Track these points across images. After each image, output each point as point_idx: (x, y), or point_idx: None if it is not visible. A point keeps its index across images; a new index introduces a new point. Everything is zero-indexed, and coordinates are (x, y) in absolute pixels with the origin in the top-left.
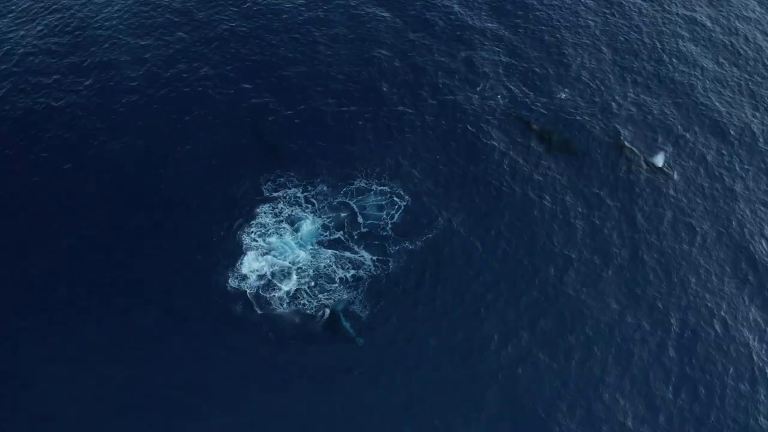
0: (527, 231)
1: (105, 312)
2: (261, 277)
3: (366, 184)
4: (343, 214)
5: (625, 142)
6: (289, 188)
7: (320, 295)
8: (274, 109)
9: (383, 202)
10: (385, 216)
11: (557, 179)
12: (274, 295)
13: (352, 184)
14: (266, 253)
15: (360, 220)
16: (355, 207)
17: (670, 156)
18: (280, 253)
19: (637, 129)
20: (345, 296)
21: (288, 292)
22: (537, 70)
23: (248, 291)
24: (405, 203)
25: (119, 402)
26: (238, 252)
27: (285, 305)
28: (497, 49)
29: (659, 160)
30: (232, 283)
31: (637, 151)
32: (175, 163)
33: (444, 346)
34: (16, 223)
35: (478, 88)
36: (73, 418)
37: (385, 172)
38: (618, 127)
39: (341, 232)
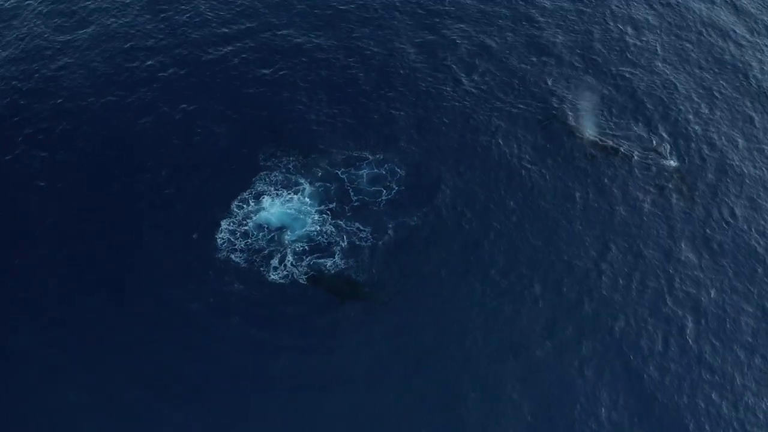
0: (527, 204)
1: (97, 292)
2: (254, 246)
3: (363, 156)
4: (340, 185)
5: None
6: (286, 160)
7: (317, 261)
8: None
9: (381, 172)
10: (382, 188)
11: (559, 154)
12: (268, 266)
13: (350, 156)
14: (262, 223)
15: (356, 191)
16: (352, 178)
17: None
18: (277, 222)
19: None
20: (344, 264)
21: (282, 262)
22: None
23: (240, 262)
24: (403, 174)
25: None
26: (233, 222)
27: (279, 275)
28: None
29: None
30: (224, 254)
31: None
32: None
33: (442, 315)
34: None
35: (475, 70)
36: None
37: (382, 144)
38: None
39: (335, 203)
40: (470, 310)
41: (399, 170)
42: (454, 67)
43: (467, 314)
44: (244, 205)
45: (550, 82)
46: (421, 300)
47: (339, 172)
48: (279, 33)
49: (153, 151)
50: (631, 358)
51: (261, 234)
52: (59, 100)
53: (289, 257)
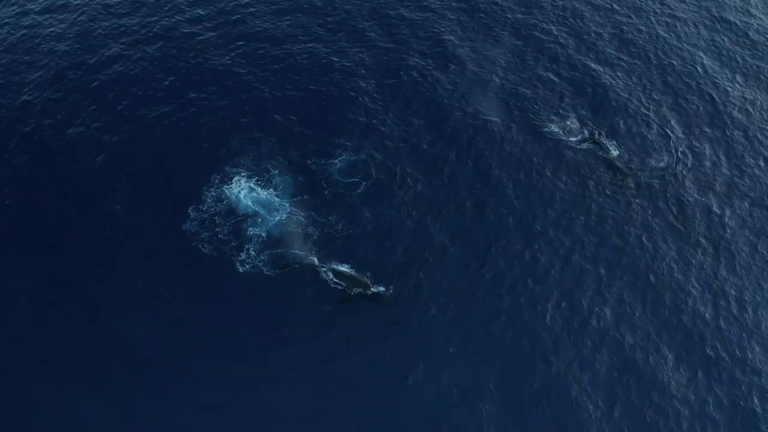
0: (509, 195)
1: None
2: (227, 235)
3: (340, 143)
4: (314, 174)
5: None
6: (260, 149)
7: (297, 253)
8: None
9: (356, 162)
10: (357, 177)
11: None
12: (240, 257)
13: (326, 146)
14: (236, 212)
15: (331, 180)
16: (325, 167)
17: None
18: (250, 213)
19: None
20: (321, 253)
21: (253, 251)
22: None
23: (212, 252)
24: (377, 162)
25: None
26: (201, 210)
27: (249, 267)
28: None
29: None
30: (194, 244)
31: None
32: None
33: (425, 302)
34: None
35: (451, 67)
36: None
37: (357, 135)
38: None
39: (308, 195)
40: (468, 306)
41: (377, 155)
42: (433, 57)
43: (464, 308)
44: (214, 192)
45: (527, 75)
46: (419, 298)
47: (310, 161)
48: (255, 24)
49: (122, 140)
50: None
51: (232, 222)
52: (25, 97)
53: (252, 251)
